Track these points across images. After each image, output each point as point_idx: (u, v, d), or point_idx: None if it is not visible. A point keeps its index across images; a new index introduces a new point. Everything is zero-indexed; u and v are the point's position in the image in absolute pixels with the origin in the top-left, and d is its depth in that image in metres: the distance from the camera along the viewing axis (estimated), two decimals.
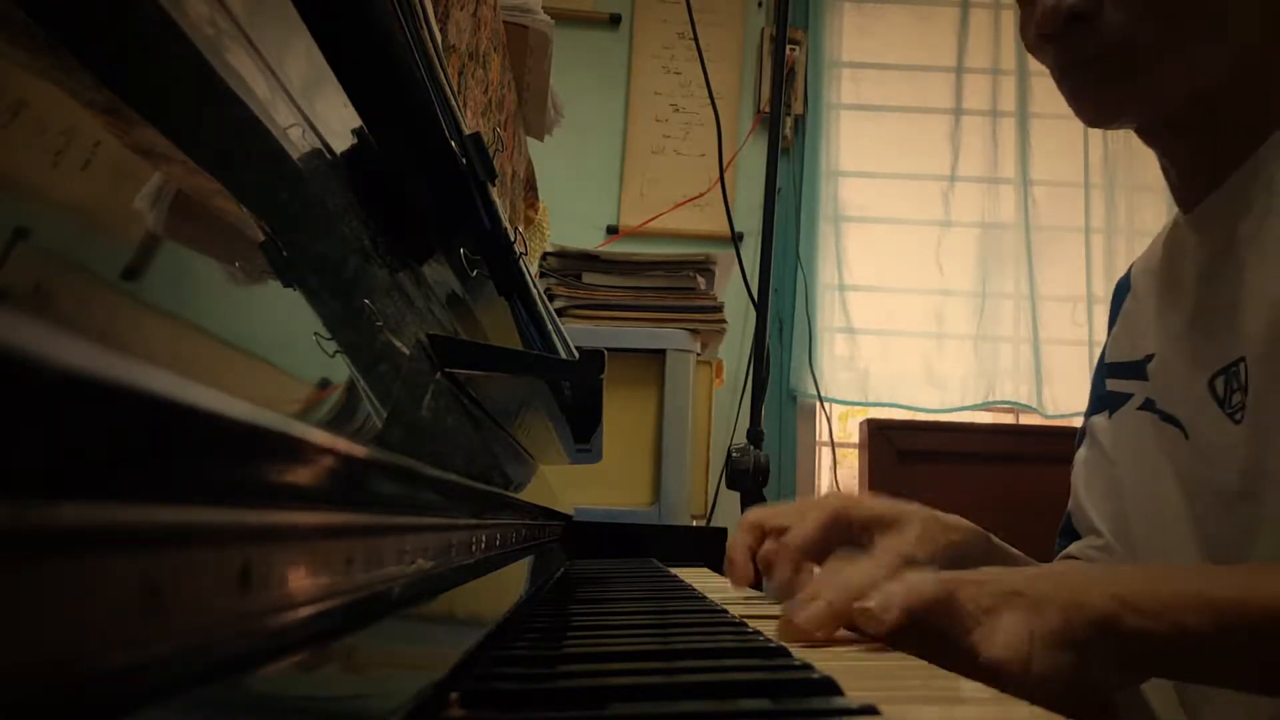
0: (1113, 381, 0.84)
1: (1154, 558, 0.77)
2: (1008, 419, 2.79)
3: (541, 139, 1.67)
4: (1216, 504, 0.68)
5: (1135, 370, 0.81)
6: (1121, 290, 0.87)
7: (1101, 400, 0.86)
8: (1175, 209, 0.78)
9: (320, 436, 0.22)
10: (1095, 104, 0.70)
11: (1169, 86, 0.67)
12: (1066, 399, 2.70)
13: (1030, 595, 0.51)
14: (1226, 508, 0.67)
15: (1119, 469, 0.83)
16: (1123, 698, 0.79)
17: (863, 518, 0.72)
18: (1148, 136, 0.73)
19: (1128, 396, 0.82)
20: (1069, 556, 0.88)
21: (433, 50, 0.44)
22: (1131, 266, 0.86)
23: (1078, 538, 0.88)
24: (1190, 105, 0.68)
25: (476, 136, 0.48)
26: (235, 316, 0.22)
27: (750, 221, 2.30)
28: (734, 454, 1.57)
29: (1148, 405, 0.78)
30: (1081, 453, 0.89)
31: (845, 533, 0.73)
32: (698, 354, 1.61)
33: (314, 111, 0.32)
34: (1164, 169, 0.75)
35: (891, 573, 0.59)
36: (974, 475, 2.23)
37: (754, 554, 0.74)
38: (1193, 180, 0.72)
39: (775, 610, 0.67)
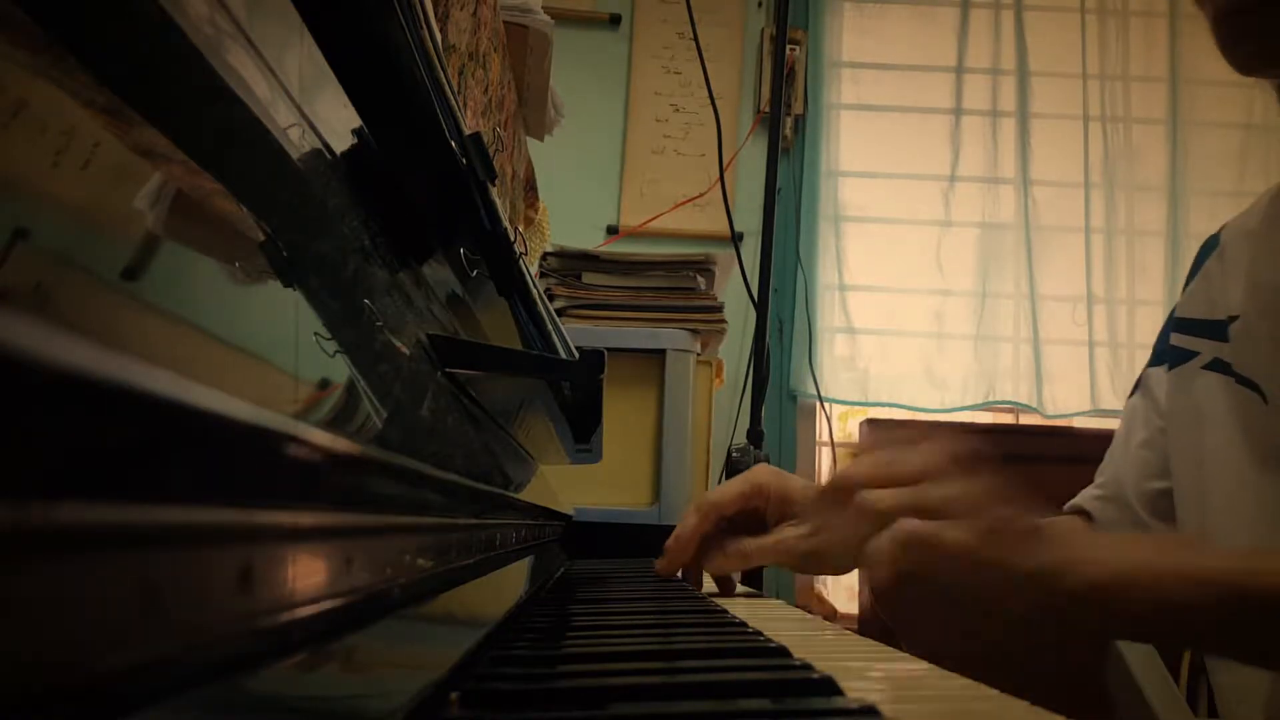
0: (1179, 337, 0.83)
1: (1199, 515, 0.77)
2: (1008, 419, 2.79)
3: (541, 139, 1.67)
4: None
5: (1211, 329, 0.80)
6: (1208, 248, 0.85)
7: (1164, 354, 0.86)
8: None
9: (320, 436, 0.22)
10: (1252, 52, 0.68)
11: None
12: (1066, 399, 2.70)
13: (1007, 532, 0.54)
14: None
15: (1170, 422, 0.83)
16: (1120, 695, 0.79)
17: (781, 490, 0.79)
18: None
19: (1193, 354, 0.81)
20: (1071, 507, 0.89)
21: (433, 50, 0.44)
22: (1224, 226, 0.84)
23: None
24: None
25: (476, 136, 0.48)
26: (235, 316, 0.22)
27: (750, 221, 2.30)
28: (734, 454, 1.57)
29: (1217, 366, 0.77)
30: (1134, 400, 0.90)
31: (758, 501, 0.80)
32: (698, 354, 1.61)
33: (314, 111, 0.32)
34: None
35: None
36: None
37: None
38: None
39: (777, 611, 0.68)
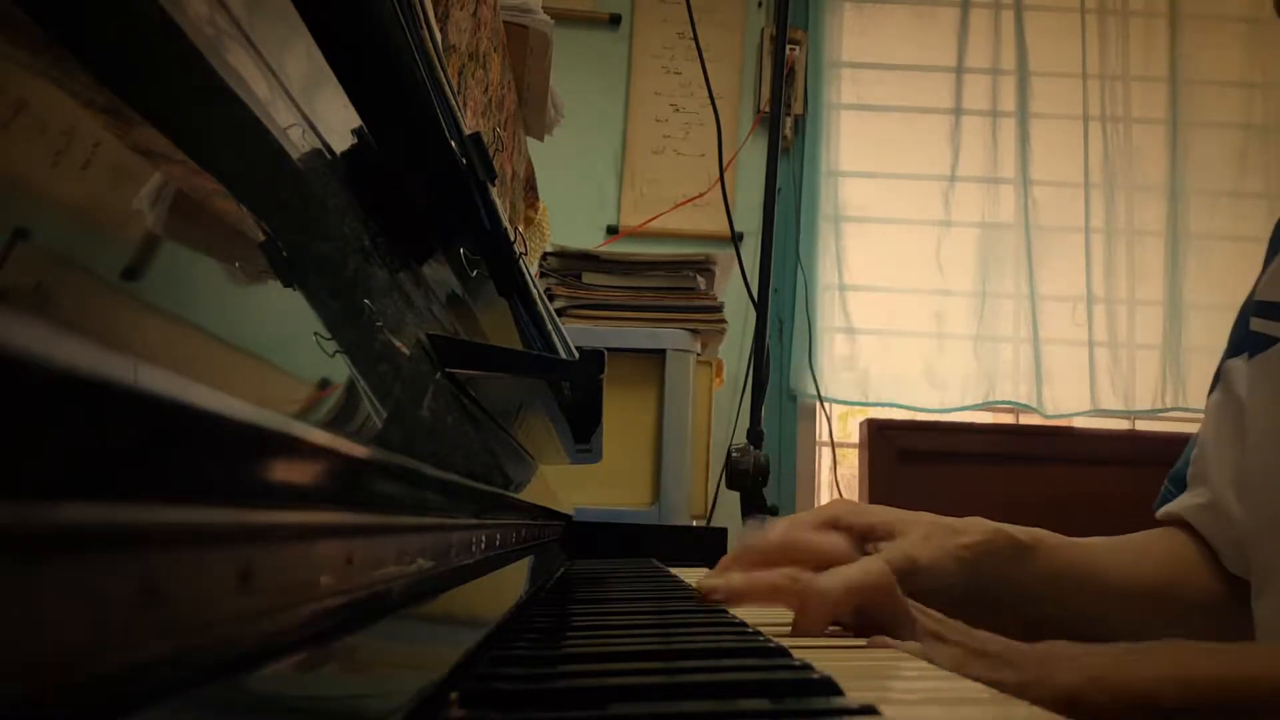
0: (1259, 322, 0.78)
1: (1267, 507, 0.73)
2: (1008, 419, 2.79)
3: (541, 139, 1.67)
4: None
5: None
6: None
7: (1242, 343, 0.80)
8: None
9: (320, 436, 0.22)
10: None
11: None
12: (1066, 399, 2.70)
13: (993, 653, 0.52)
14: None
15: (1251, 411, 0.77)
16: None
17: (860, 524, 0.72)
18: None
19: (1273, 340, 0.75)
20: (1167, 515, 0.83)
21: (433, 50, 0.44)
22: None
23: (1184, 487, 0.83)
24: None
25: (476, 136, 0.48)
26: (235, 316, 0.22)
27: (750, 221, 2.30)
28: (734, 454, 1.57)
29: None
30: (1215, 397, 0.83)
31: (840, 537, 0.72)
32: (698, 354, 1.61)
33: (314, 111, 0.32)
34: None
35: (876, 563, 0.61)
36: (974, 475, 2.23)
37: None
38: None
39: (776, 611, 0.67)
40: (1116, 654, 0.55)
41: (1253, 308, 0.79)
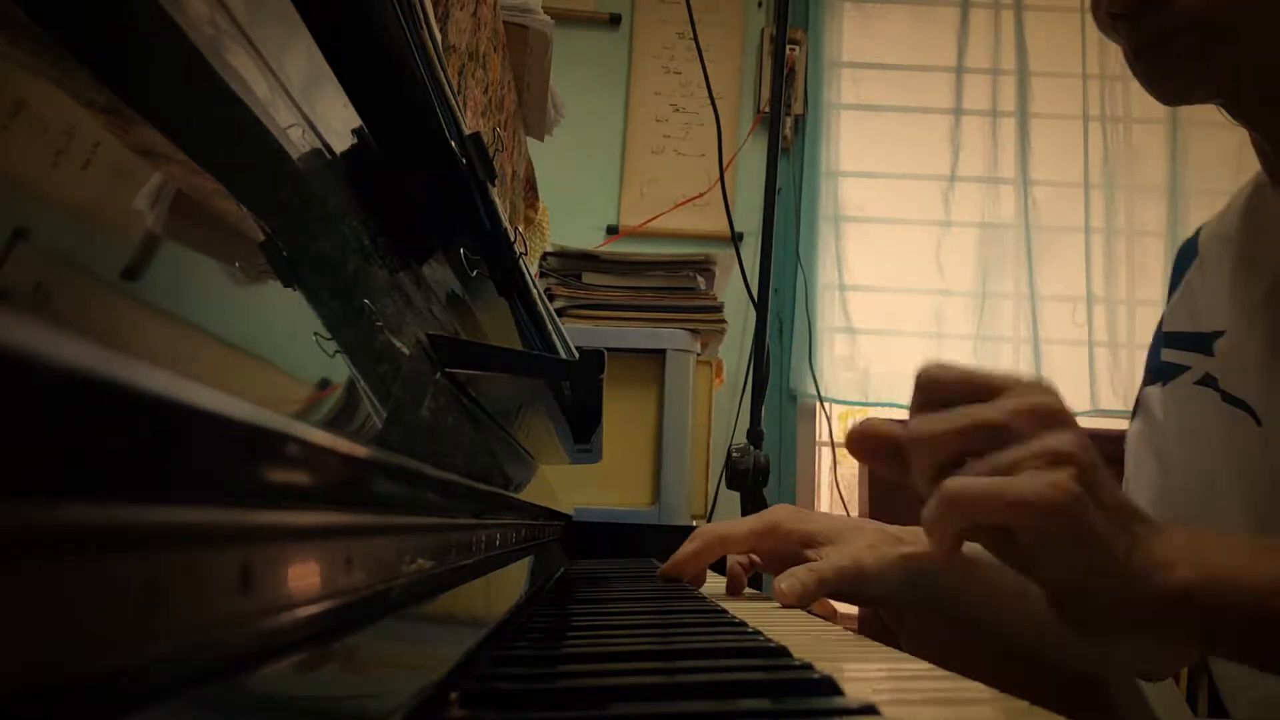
0: (1169, 352, 0.79)
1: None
2: None
3: (541, 139, 1.67)
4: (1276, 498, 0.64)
5: (1197, 343, 0.75)
6: (1186, 256, 0.80)
7: (1156, 371, 0.81)
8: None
9: (320, 436, 0.22)
10: (1172, 84, 0.65)
11: (1248, 63, 0.63)
12: (1066, 399, 2.69)
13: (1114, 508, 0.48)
14: None
15: (1168, 443, 0.78)
16: (1121, 694, 0.79)
17: (799, 532, 0.75)
18: (1235, 111, 0.69)
19: (1183, 369, 0.76)
20: None
21: (433, 50, 0.44)
22: (1199, 231, 0.79)
23: None
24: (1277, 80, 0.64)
25: (476, 136, 0.48)
26: (235, 316, 0.22)
27: (750, 221, 2.30)
28: (734, 454, 1.57)
29: (1208, 382, 0.73)
30: (1135, 425, 0.85)
31: (774, 542, 0.76)
32: (698, 354, 1.61)
33: (314, 111, 0.32)
34: (1253, 140, 0.71)
35: (832, 569, 0.69)
36: None
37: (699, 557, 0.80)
38: None
39: (777, 611, 0.68)
40: (1230, 547, 0.51)
41: (1162, 338, 0.80)
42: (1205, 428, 0.72)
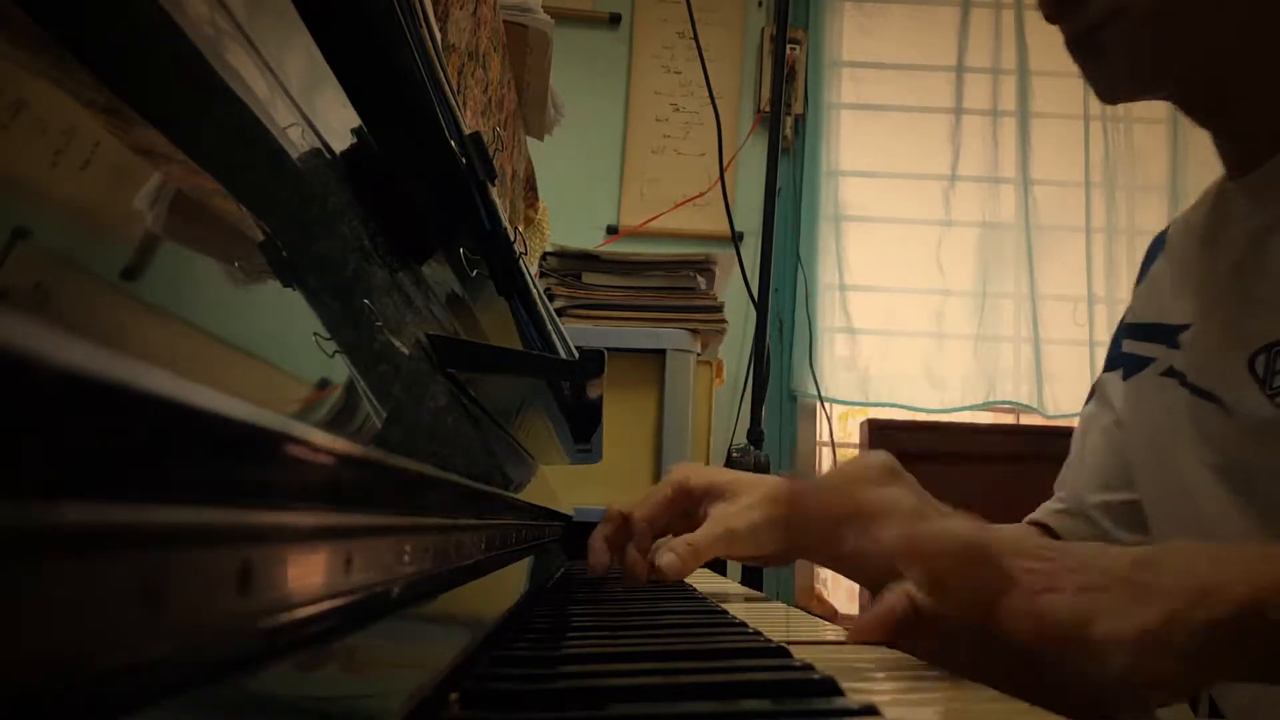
0: (1131, 344, 0.79)
1: (1160, 530, 0.74)
2: (1008, 419, 2.79)
3: (541, 139, 1.67)
4: (1255, 487, 0.64)
5: (1162, 334, 0.75)
6: (1155, 248, 0.81)
7: (1116, 360, 0.81)
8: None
9: (320, 437, 0.22)
10: (1105, 80, 0.67)
11: (1173, 55, 0.64)
12: (1067, 399, 2.70)
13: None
14: (1266, 493, 0.63)
15: (1130, 433, 0.78)
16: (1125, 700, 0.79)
17: (700, 486, 0.79)
18: (1186, 108, 0.69)
19: (1148, 361, 0.76)
20: (1031, 521, 0.86)
21: (433, 50, 0.44)
22: (1169, 225, 0.80)
23: None
24: (1227, 74, 0.64)
25: (476, 136, 0.48)
26: (235, 316, 0.22)
27: (750, 221, 2.30)
28: (734, 454, 1.57)
29: (1173, 374, 0.72)
30: (1089, 408, 0.86)
31: (686, 503, 0.79)
32: (698, 354, 1.61)
33: (314, 111, 0.32)
34: (1213, 138, 0.70)
35: (707, 538, 0.71)
36: (974, 475, 2.22)
37: (611, 541, 0.81)
38: (1247, 146, 0.67)
39: (777, 611, 0.68)
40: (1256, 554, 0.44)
41: (1125, 330, 0.81)
42: (1175, 421, 0.71)
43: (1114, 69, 0.66)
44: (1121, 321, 0.83)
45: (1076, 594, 0.42)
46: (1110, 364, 0.83)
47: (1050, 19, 0.67)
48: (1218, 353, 0.67)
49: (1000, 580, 0.43)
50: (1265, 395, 0.62)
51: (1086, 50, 0.66)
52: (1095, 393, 0.86)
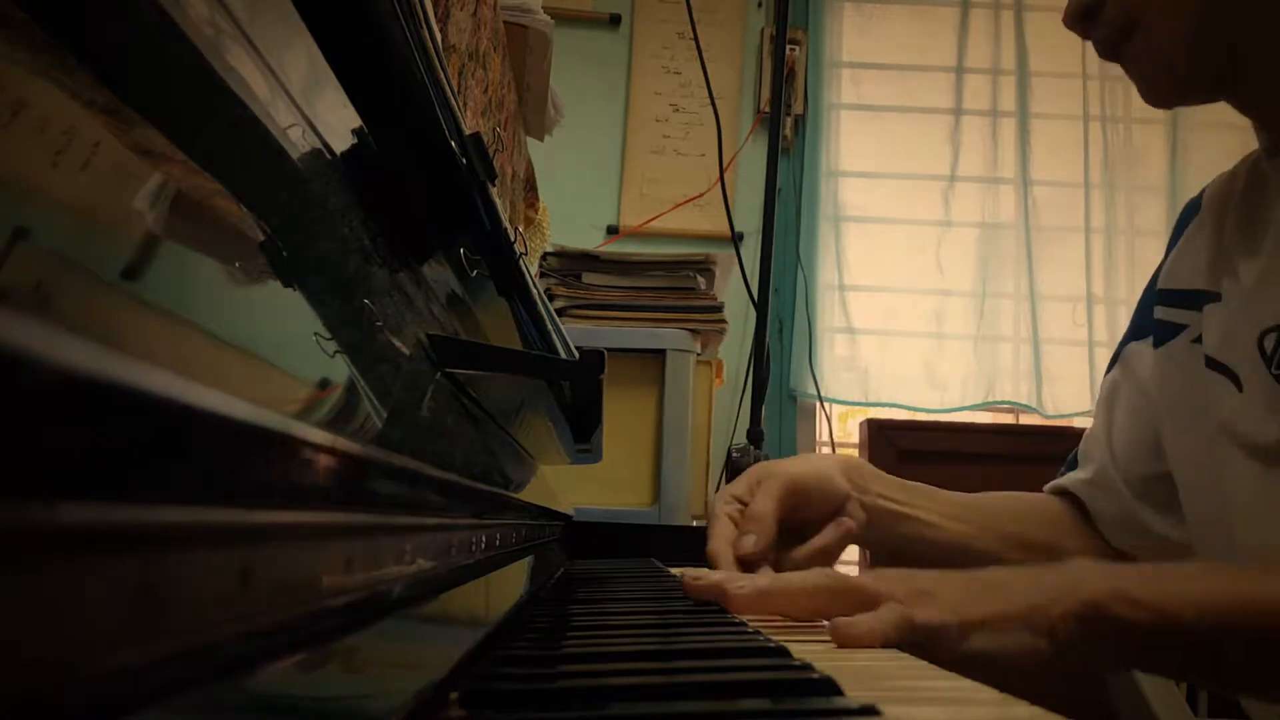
0: (1164, 310, 0.77)
1: (1189, 501, 0.74)
2: (1008, 419, 2.79)
3: (541, 139, 1.67)
4: (1258, 465, 0.65)
5: (1192, 300, 0.74)
6: (1190, 211, 0.79)
7: (1145, 328, 0.80)
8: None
9: (320, 436, 0.22)
10: (1140, 86, 0.69)
11: (1191, 59, 0.65)
12: (1066, 399, 2.70)
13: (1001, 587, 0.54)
14: (1267, 472, 0.64)
15: (1161, 403, 0.77)
16: (1123, 700, 0.79)
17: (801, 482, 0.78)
18: (1229, 98, 0.70)
19: (1181, 328, 0.75)
20: (1054, 488, 0.87)
21: (433, 50, 0.44)
22: (1205, 189, 0.79)
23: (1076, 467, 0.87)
24: (1250, 66, 0.65)
25: (476, 136, 0.48)
26: (235, 316, 0.22)
27: (750, 221, 2.30)
28: (734, 454, 1.57)
29: (1199, 340, 0.72)
30: (1112, 376, 0.85)
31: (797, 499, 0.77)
32: (698, 354, 1.61)
33: (314, 111, 0.32)
34: (1253, 123, 0.72)
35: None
36: (974, 475, 2.22)
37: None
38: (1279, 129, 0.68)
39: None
40: (1140, 569, 0.57)
41: (1156, 296, 0.79)
42: (1197, 392, 0.71)
43: (1143, 76, 0.68)
44: (1151, 286, 0.82)
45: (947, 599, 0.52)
46: (1138, 331, 0.82)
47: (1082, 37, 0.69)
48: (1234, 328, 0.68)
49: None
50: (1271, 375, 0.64)
51: (1120, 64, 0.68)
52: (1118, 360, 0.84)
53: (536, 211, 1.72)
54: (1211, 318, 0.71)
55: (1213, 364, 0.69)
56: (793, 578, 0.57)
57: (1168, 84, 0.69)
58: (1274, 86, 0.66)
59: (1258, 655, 0.51)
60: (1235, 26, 0.64)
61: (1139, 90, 0.69)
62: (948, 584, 0.54)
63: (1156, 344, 0.78)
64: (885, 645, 0.47)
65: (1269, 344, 0.65)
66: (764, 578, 0.58)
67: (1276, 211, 0.67)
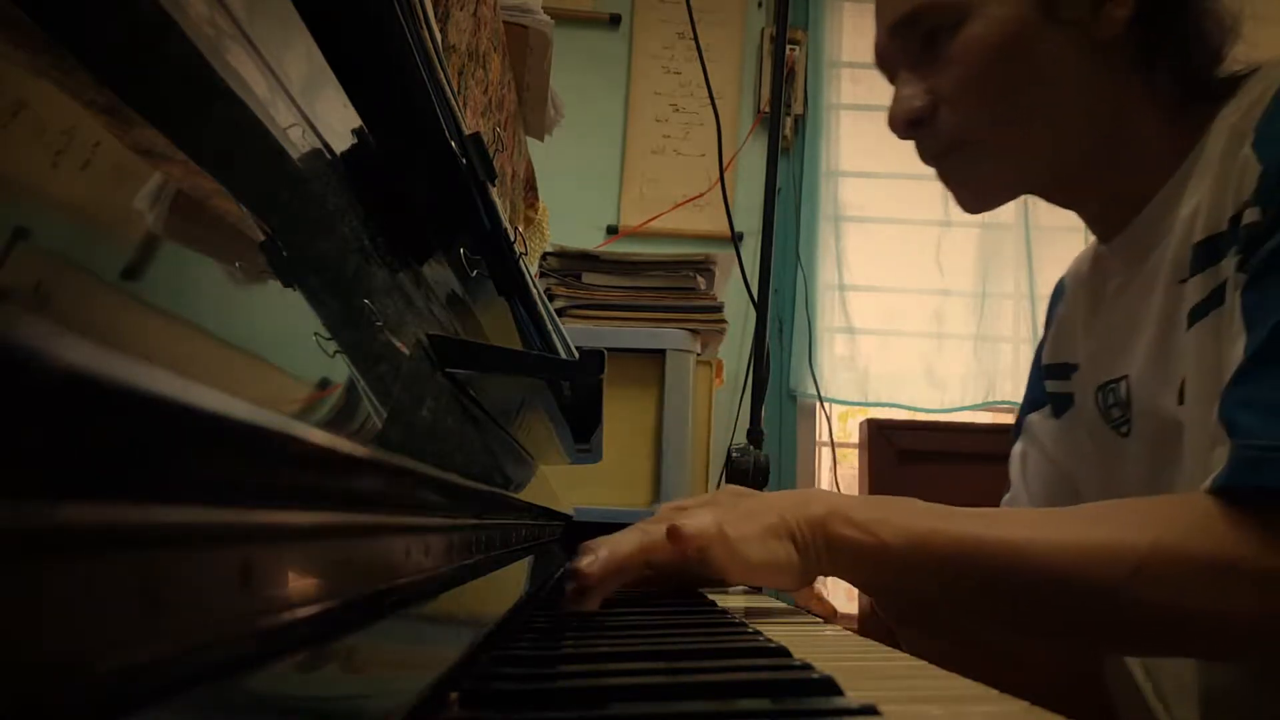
0: (1052, 383, 0.87)
1: None
2: (1008, 419, 2.79)
3: (541, 139, 1.67)
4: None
5: (1067, 372, 0.85)
6: (1058, 294, 0.91)
7: (1040, 400, 0.89)
8: None
9: (320, 436, 0.22)
10: (965, 194, 0.76)
11: (1020, 168, 0.73)
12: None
13: (743, 507, 0.62)
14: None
15: (1065, 467, 0.86)
16: (1120, 694, 0.79)
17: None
18: (1049, 199, 0.80)
19: (1070, 396, 0.84)
20: None
21: (433, 50, 0.44)
22: (1065, 274, 0.90)
23: None
24: (1069, 176, 0.74)
25: (476, 136, 0.48)
26: (235, 316, 0.22)
27: (750, 221, 2.30)
28: (734, 454, 1.57)
29: (1081, 405, 0.82)
30: (1019, 447, 0.92)
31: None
32: (698, 354, 1.61)
33: (314, 111, 0.32)
34: (1078, 214, 0.82)
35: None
36: (974, 475, 2.22)
37: None
38: (1105, 221, 0.79)
39: (776, 611, 0.68)
40: (864, 499, 0.67)
41: (1043, 370, 0.89)
42: (1098, 452, 0.80)
43: (964, 189, 0.76)
44: (1036, 362, 0.92)
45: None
46: (1034, 404, 0.91)
47: (898, 135, 0.77)
48: (1086, 390, 0.80)
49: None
50: (1108, 426, 0.75)
51: (941, 172, 0.76)
52: (1022, 433, 0.92)
53: (536, 211, 1.72)
54: (1075, 383, 0.83)
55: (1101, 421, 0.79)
56: (617, 541, 0.63)
57: (983, 202, 0.77)
58: (1100, 185, 0.76)
59: (975, 589, 0.57)
60: (1054, 160, 0.73)
61: (954, 197, 0.77)
62: (732, 504, 0.64)
63: (1056, 414, 0.87)
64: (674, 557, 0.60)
65: (1101, 399, 0.76)
66: (604, 549, 0.62)
67: (1108, 288, 0.79)
